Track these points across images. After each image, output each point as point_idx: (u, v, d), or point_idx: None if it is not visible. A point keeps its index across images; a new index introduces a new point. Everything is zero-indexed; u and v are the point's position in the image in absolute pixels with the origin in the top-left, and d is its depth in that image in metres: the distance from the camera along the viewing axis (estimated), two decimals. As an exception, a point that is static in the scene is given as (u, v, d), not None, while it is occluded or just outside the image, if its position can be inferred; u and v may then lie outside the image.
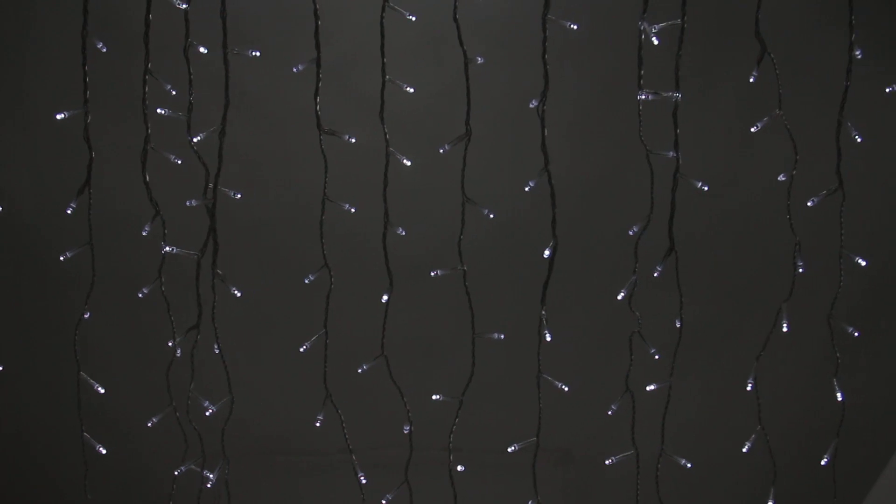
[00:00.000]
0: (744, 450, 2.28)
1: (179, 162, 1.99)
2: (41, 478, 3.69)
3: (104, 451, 2.16)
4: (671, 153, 2.05)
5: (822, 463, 2.26)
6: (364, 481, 2.28)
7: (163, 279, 2.11)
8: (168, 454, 3.56)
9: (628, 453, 2.29)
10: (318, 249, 2.23)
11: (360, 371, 2.23)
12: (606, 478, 3.56)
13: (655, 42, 1.96)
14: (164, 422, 3.43)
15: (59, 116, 2.00)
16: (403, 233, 2.13)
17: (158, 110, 2.02)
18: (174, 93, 2.00)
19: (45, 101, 3.33)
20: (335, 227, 2.25)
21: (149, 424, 2.24)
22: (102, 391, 2.14)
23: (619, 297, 2.17)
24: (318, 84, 2.07)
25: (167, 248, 2.06)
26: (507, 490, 3.56)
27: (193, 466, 2.24)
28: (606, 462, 2.32)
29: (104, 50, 2.00)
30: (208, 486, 2.24)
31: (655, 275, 2.11)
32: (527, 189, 2.01)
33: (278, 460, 3.57)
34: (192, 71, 2.02)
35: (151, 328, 3.54)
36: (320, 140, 2.10)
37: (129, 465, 3.54)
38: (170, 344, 2.12)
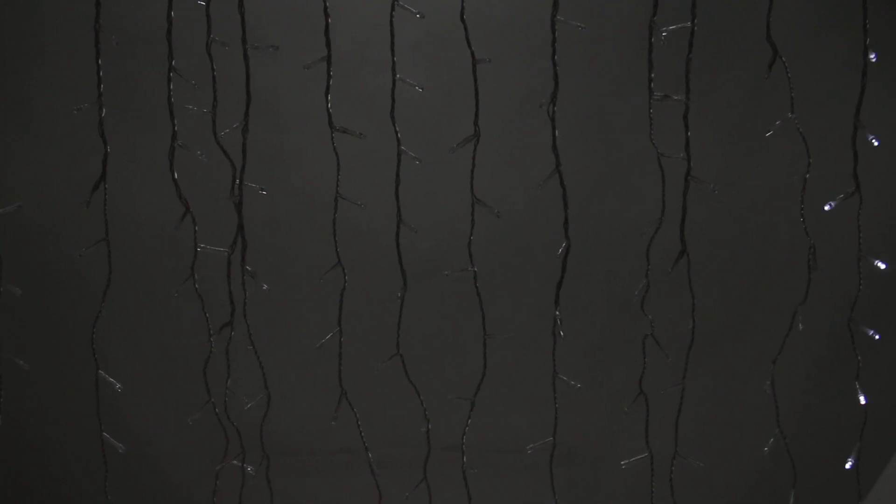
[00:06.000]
0: (764, 449, 2.29)
1: (205, 159, 1.99)
2: (45, 478, 3.67)
3: (122, 450, 2.16)
4: (682, 155, 2.06)
5: (847, 466, 2.24)
6: (374, 480, 2.29)
7: (196, 277, 2.11)
8: (178, 454, 3.57)
9: (643, 456, 2.29)
10: (325, 248, 2.22)
11: (375, 370, 2.24)
12: (609, 477, 3.57)
13: (664, 34, 1.95)
14: (176, 421, 3.42)
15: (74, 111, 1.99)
16: (416, 231, 2.13)
17: (188, 106, 2.02)
18: (196, 86, 2.00)
19: (48, 100, 3.31)
20: (347, 226, 2.25)
21: (189, 422, 2.25)
22: (120, 388, 2.14)
23: (634, 297, 2.18)
24: (328, 82, 2.07)
25: (201, 246, 2.06)
26: (510, 489, 3.57)
27: (235, 462, 2.25)
28: (622, 464, 2.33)
29: (116, 44, 1.99)
30: (247, 482, 2.25)
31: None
32: (539, 189, 2.01)
33: (281, 460, 3.57)
34: (214, 68, 2.02)
35: (152, 328, 3.53)
36: (332, 138, 2.10)
37: (139, 466, 3.53)
38: (210, 340, 2.13)
